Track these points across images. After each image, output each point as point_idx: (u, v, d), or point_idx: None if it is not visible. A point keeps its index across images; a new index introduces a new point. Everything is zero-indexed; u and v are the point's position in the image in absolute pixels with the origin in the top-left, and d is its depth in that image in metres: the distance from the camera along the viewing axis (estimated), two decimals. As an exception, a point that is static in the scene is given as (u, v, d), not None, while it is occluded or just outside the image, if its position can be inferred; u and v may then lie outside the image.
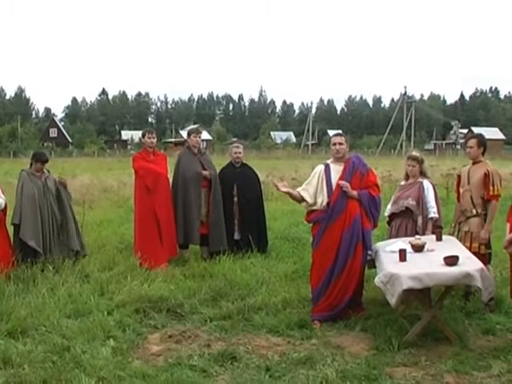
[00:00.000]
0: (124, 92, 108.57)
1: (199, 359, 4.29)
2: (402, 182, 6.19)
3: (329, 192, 5.22)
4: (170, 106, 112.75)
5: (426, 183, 5.89)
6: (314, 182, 5.30)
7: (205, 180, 7.53)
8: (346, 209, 5.16)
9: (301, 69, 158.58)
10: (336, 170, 5.28)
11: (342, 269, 5.14)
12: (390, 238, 5.85)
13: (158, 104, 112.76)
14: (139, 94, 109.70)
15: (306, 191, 5.31)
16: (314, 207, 5.28)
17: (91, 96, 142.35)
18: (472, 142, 5.68)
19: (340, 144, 5.29)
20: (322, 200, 5.23)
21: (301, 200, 5.35)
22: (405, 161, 6.09)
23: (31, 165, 6.96)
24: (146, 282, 6.17)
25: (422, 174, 5.99)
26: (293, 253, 7.74)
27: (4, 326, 4.87)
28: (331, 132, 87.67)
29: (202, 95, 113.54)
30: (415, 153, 6.11)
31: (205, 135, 62.33)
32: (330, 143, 5.38)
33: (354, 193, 5.18)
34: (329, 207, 5.19)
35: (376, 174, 5.65)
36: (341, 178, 5.21)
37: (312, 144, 73.81)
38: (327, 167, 5.32)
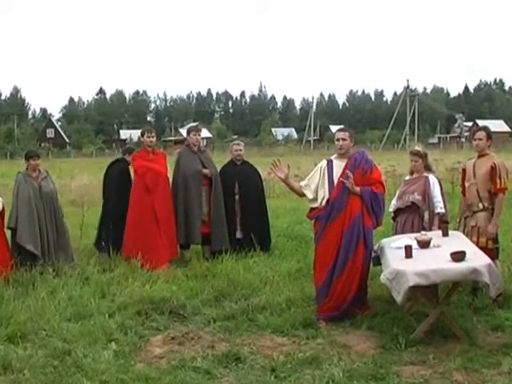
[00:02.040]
0: (121, 91, 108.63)
1: (203, 361, 4.29)
2: (407, 177, 6.18)
3: (330, 188, 5.20)
4: (168, 104, 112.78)
5: (432, 178, 5.89)
6: (316, 177, 5.29)
7: (205, 178, 7.53)
8: (347, 206, 5.14)
9: (301, 63, 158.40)
10: (338, 166, 5.26)
11: (342, 268, 5.12)
12: (396, 234, 5.84)
13: (157, 102, 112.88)
14: (137, 93, 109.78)
15: (308, 187, 5.31)
16: (316, 203, 5.27)
17: (88, 95, 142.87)
18: (481, 135, 5.65)
19: (343, 140, 5.27)
20: (323, 196, 5.22)
21: (301, 194, 5.35)
22: (408, 156, 6.09)
23: (27, 167, 6.95)
24: (148, 283, 6.16)
25: (427, 168, 5.98)
26: (296, 251, 7.74)
27: (3, 330, 4.86)
28: (333, 127, 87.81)
29: (200, 92, 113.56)
30: (417, 148, 6.10)
31: (205, 133, 62.12)
32: (334, 138, 5.36)
33: (357, 189, 5.15)
34: (328, 204, 5.18)
35: (380, 171, 5.64)
36: (342, 174, 5.18)
37: (314, 140, 73.85)
38: (330, 163, 5.31)
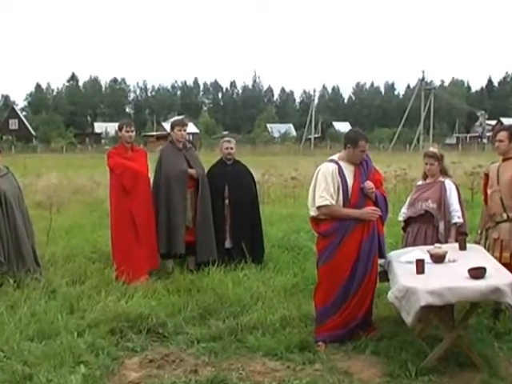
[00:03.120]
0: (96, 78, 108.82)
1: (185, 388, 4.28)
2: (420, 182, 6.22)
3: (344, 197, 5.19)
4: (150, 95, 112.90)
5: (448, 183, 5.93)
6: (331, 184, 5.19)
7: (191, 179, 7.54)
8: None
9: (302, 51, 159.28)
10: (349, 171, 5.27)
11: (359, 284, 5.16)
12: (406, 246, 5.87)
13: (137, 92, 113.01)
14: (114, 80, 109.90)
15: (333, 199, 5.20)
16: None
17: (58, 82, 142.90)
18: (502, 135, 5.67)
19: (364, 151, 5.27)
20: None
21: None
22: (422, 158, 6.13)
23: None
24: (124, 297, 6.16)
25: (443, 172, 6.03)
26: (293, 263, 7.76)
27: (-45, 351, 4.83)
28: (337, 124, 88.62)
29: (186, 82, 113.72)
30: (433, 149, 6.15)
31: (191, 128, 62.34)
32: (356, 147, 5.18)
33: (374, 195, 5.26)
34: None
35: (390, 174, 5.69)
36: (356, 180, 5.22)
37: (315, 138, 74.02)
38: (340, 168, 5.25)
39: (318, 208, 5.18)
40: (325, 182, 5.17)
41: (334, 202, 5.13)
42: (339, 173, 5.21)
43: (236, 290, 6.41)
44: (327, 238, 5.21)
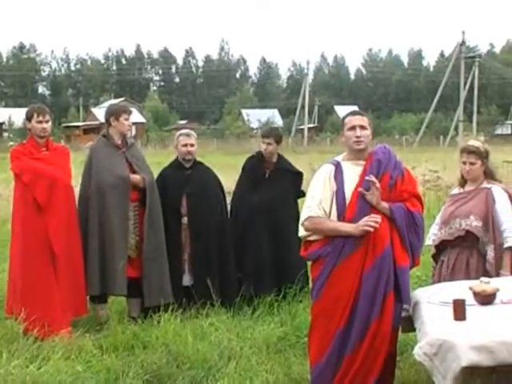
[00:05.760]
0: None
1: None
2: (456, 190, 6.27)
3: (340, 208, 5.23)
4: (73, 68, 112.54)
5: (498, 190, 5.98)
6: (322, 191, 5.27)
7: (134, 190, 7.55)
8: (369, 234, 5.16)
9: (287, 7, 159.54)
10: (352, 172, 5.30)
11: (361, 335, 5.14)
12: (440, 280, 5.92)
13: (54, 64, 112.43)
14: (20, 48, 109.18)
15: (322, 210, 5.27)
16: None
17: None
18: None
19: (362, 128, 5.29)
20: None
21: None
22: (458, 155, 6.18)
23: None
24: (35, 360, 6.11)
25: (488, 175, 6.08)
26: (279, 306, 7.76)
27: None
28: (340, 109, 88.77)
29: (124, 51, 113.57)
30: (474, 142, 6.20)
31: (134, 116, 62.19)
32: (344, 127, 5.38)
33: (385, 205, 5.20)
34: None
35: (416, 179, 5.68)
36: (359, 186, 5.22)
37: (309, 128, 74.53)
38: (338, 168, 5.33)
39: (302, 224, 5.29)
40: (315, 188, 5.31)
41: (320, 214, 5.20)
42: (335, 176, 5.28)
43: (198, 346, 6.41)
44: (316, 264, 5.32)
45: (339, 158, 5.44)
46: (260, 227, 8.08)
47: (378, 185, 5.13)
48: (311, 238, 5.30)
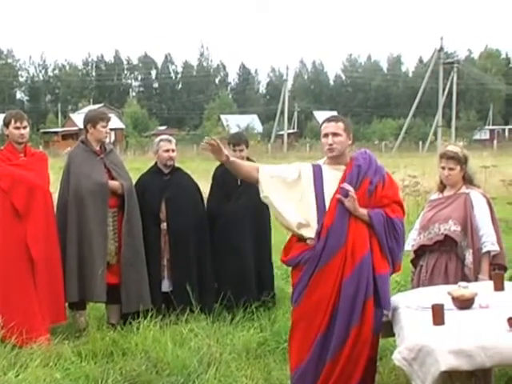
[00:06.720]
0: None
1: None
2: (435, 196, 6.28)
3: (319, 213, 5.23)
4: (51, 74, 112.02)
5: (476, 196, 6.00)
6: (302, 185, 5.30)
7: (113, 196, 7.54)
8: (347, 241, 5.18)
9: (266, 13, 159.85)
10: (332, 178, 5.31)
11: (341, 340, 5.14)
12: (419, 285, 5.94)
13: (32, 70, 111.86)
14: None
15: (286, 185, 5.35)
16: (306, 231, 5.27)
17: None
18: None
19: (335, 135, 5.32)
20: (307, 224, 5.26)
21: (256, 182, 5.44)
22: (437, 160, 6.20)
23: None
24: (13, 367, 6.08)
25: (467, 180, 6.10)
26: (258, 311, 7.75)
27: None
28: (320, 114, 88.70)
29: (103, 56, 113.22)
30: (453, 148, 6.22)
31: (113, 122, 62.04)
32: (321, 133, 5.41)
33: (363, 211, 5.20)
34: (319, 239, 5.21)
35: (397, 184, 5.68)
36: (338, 191, 5.23)
37: (289, 134, 74.59)
38: (318, 171, 5.34)
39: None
40: (291, 170, 5.46)
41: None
42: (315, 179, 5.30)
43: (178, 353, 6.39)
44: (295, 271, 5.34)
45: (321, 162, 5.48)
46: (239, 235, 8.04)
47: (352, 193, 5.15)
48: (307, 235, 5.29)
